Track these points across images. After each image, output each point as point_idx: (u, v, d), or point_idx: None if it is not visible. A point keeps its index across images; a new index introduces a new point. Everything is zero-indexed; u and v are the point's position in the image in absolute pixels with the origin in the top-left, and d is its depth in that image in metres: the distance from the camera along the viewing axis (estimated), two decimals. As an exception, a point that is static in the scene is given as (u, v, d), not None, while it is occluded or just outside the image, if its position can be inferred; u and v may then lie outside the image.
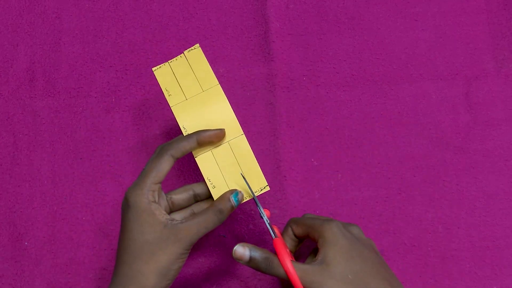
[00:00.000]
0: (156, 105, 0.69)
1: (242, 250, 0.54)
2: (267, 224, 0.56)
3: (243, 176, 0.57)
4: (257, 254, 0.53)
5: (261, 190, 0.57)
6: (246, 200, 0.57)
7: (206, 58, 0.70)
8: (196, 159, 0.57)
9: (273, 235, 0.55)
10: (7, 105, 0.69)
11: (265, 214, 0.56)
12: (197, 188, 0.58)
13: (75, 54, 0.70)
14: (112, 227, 0.66)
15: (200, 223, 0.53)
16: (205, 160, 0.57)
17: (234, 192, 0.56)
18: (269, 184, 0.66)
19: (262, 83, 0.69)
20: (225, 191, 0.57)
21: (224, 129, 0.57)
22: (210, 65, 0.69)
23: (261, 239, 0.65)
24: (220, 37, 0.70)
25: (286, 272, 0.52)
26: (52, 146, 0.68)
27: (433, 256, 0.64)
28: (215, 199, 0.57)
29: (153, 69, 0.58)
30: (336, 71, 0.69)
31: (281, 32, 0.70)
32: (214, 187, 0.57)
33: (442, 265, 0.64)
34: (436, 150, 0.67)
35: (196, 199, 0.58)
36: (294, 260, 0.54)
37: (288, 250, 0.55)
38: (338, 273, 0.51)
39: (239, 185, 0.57)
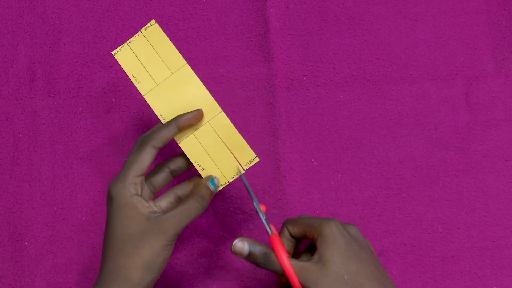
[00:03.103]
0: (156, 105, 0.69)
1: (241, 245, 0.54)
2: (263, 220, 0.56)
3: (241, 166, 0.56)
4: (256, 249, 0.54)
5: (251, 162, 0.57)
6: (224, 185, 0.57)
7: (206, 58, 0.70)
8: (180, 145, 0.57)
9: (269, 231, 0.55)
10: (7, 105, 0.69)
11: (261, 209, 0.56)
12: (172, 164, 0.57)
13: (75, 54, 0.70)
14: (112, 227, 0.66)
15: (182, 212, 0.53)
16: (189, 144, 0.57)
17: (210, 178, 0.56)
18: (269, 184, 0.66)
19: (262, 83, 0.69)
20: (215, 171, 0.57)
21: (201, 109, 0.56)
22: (209, 65, 0.69)
23: (261, 240, 0.65)
24: (220, 37, 0.70)
25: (282, 267, 0.52)
26: (52, 146, 0.68)
27: (433, 256, 0.64)
28: None
29: (113, 52, 0.57)
30: (336, 71, 0.69)
31: (281, 32, 0.70)
32: (203, 169, 0.57)
33: (442, 265, 0.64)
34: (436, 150, 0.67)
35: (173, 174, 0.58)
36: (290, 256, 0.54)
37: (284, 247, 0.55)
38: (334, 273, 0.51)
39: (228, 163, 0.57)
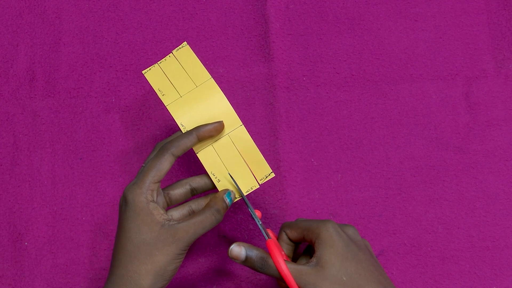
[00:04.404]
0: (156, 106, 0.69)
1: (238, 250, 0.54)
2: (259, 225, 0.56)
3: (231, 177, 0.57)
4: (253, 253, 0.54)
5: (266, 177, 0.57)
6: (237, 199, 0.57)
7: (206, 58, 0.70)
8: (197, 155, 0.57)
9: (265, 236, 0.55)
10: (7, 105, 0.69)
11: (256, 215, 0.56)
12: (194, 183, 0.57)
13: (75, 54, 0.70)
14: (112, 227, 0.66)
15: (197, 223, 0.53)
16: (207, 155, 0.57)
17: (227, 192, 0.56)
18: (269, 184, 0.66)
19: (262, 83, 0.69)
20: (230, 184, 0.57)
21: (222, 121, 0.56)
22: (209, 65, 0.69)
23: (261, 240, 0.65)
24: (220, 37, 0.70)
25: (280, 272, 0.52)
26: (52, 146, 0.68)
27: (433, 256, 0.64)
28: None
29: (143, 72, 0.58)
30: (336, 71, 0.69)
31: (281, 32, 0.70)
32: (219, 181, 0.57)
33: (442, 265, 0.64)
34: (436, 150, 0.67)
35: (193, 193, 0.58)
36: (288, 260, 0.54)
37: (283, 252, 0.55)
38: (332, 275, 0.51)
39: (244, 176, 0.57)
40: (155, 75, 0.58)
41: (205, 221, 0.53)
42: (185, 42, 0.58)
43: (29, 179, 0.67)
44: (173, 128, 0.68)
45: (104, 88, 0.69)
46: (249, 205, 0.57)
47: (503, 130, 0.67)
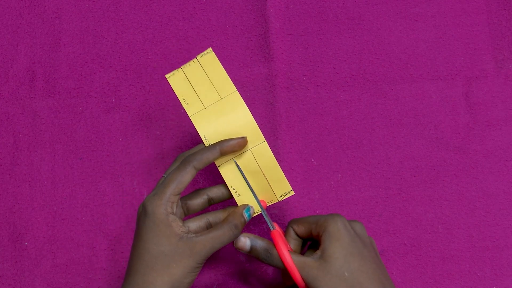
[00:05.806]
0: (156, 106, 0.69)
1: (243, 240, 0.55)
2: (264, 215, 0.56)
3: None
4: (258, 244, 0.55)
5: (286, 194, 0.58)
6: (256, 214, 0.57)
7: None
8: (219, 168, 0.57)
9: (271, 226, 0.56)
10: (7, 105, 0.69)
11: (261, 204, 0.57)
12: (211, 193, 0.58)
13: (75, 54, 0.70)
14: (112, 227, 0.66)
15: (215, 238, 0.53)
16: (228, 169, 0.57)
17: (246, 207, 0.56)
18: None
19: (262, 83, 0.69)
20: (250, 199, 0.57)
21: (246, 137, 0.56)
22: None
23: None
24: (220, 37, 0.70)
25: (283, 262, 0.53)
26: (52, 146, 0.68)
27: (433, 256, 0.64)
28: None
29: (167, 76, 0.57)
30: (336, 71, 0.69)
31: (281, 32, 0.70)
32: (238, 195, 0.57)
33: (442, 265, 0.64)
34: (436, 150, 0.67)
35: (210, 203, 0.58)
36: (293, 251, 0.55)
37: (288, 244, 0.55)
38: (335, 270, 0.51)
39: (264, 192, 0.57)
40: (179, 81, 0.57)
41: (222, 236, 0.53)
42: (210, 48, 0.57)
43: (29, 179, 0.67)
44: (173, 127, 0.68)
45: (104, 88, 0.69)
46: (255, 195, 0.57)
47: (503, 130, 0.67)
